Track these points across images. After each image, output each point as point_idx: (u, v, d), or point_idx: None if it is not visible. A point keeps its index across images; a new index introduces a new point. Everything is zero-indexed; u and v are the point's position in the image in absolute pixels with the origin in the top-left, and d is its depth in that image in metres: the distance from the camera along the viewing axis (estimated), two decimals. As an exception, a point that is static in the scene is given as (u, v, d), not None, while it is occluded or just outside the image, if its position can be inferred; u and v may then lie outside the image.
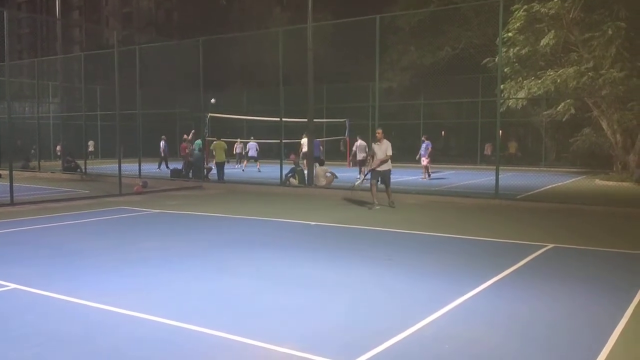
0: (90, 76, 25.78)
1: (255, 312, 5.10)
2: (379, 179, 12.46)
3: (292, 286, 6.00)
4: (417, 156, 20.95)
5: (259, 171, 23.07)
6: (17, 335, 4.49)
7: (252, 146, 25.20)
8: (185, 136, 23.74)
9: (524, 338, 4.46)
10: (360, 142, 20.51)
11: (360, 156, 20.02)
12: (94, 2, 78.94)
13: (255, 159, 25.16)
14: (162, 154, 25.67)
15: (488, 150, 29.13)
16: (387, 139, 12.41)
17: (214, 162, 18.73)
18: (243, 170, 23.99)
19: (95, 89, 29.22)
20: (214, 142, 18.79)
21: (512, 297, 5.56)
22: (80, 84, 25.47)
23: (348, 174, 20.00)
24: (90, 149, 32.03)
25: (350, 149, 25.93)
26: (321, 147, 21.45)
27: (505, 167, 18.75)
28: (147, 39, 43.85)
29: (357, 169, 20.70)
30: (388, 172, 12.47)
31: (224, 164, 18.75)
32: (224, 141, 19.34)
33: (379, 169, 12.34)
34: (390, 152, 12.30)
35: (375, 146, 12.53)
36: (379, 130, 12.48)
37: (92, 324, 4.77)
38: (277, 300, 5.45)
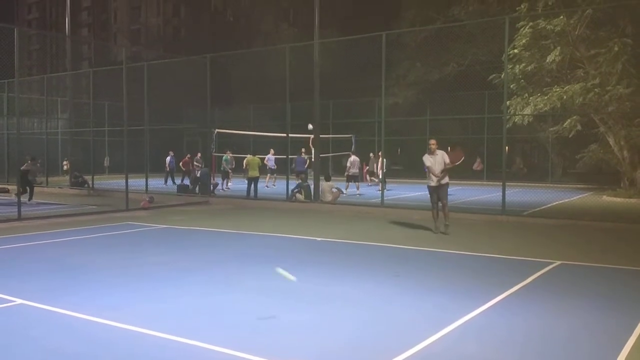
0: (98, 92, 25.95)
1: (261, 328, 5.07)
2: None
3: (297, 302, 5.97)
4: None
5: (267, 187, 22.84)
6: (21, 352, 4.48)
7: (271, 159, 24.75)
8: (189, 156, 23.76)
9: (533, 354, 4.40)
10: (354, 158, 20.59)
11: (352, 172, 20.19)
12: (103, 19, 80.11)
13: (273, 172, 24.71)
14: (168, 169, 25.70)
15: (478, 165, 28.52)
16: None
17: (247, 177, 18.60)
18: (274, 185, 23.40)
19: (104, 105, 29.46)
20: (248, 157, 18.85)
21: (520, 313, 5.51)
22: (89, 100, 25.69)
23: (354, 190, 19.99)
24: (106, 164, 32.23)
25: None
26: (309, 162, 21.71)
27: (511, 183, 18.68)
28: (155, 55, 44.22)
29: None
30: (446, 186, 10.91)
31: (257, 180, 18.67)
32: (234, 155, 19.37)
33: (434, 184, 10.78)
34: (447, 160, 10.68)
35: (429, 158, 10.80)
36: (433, 141, 10.87)
37: (96, 339, 4.76)
38: (282, 317, 5.42)
